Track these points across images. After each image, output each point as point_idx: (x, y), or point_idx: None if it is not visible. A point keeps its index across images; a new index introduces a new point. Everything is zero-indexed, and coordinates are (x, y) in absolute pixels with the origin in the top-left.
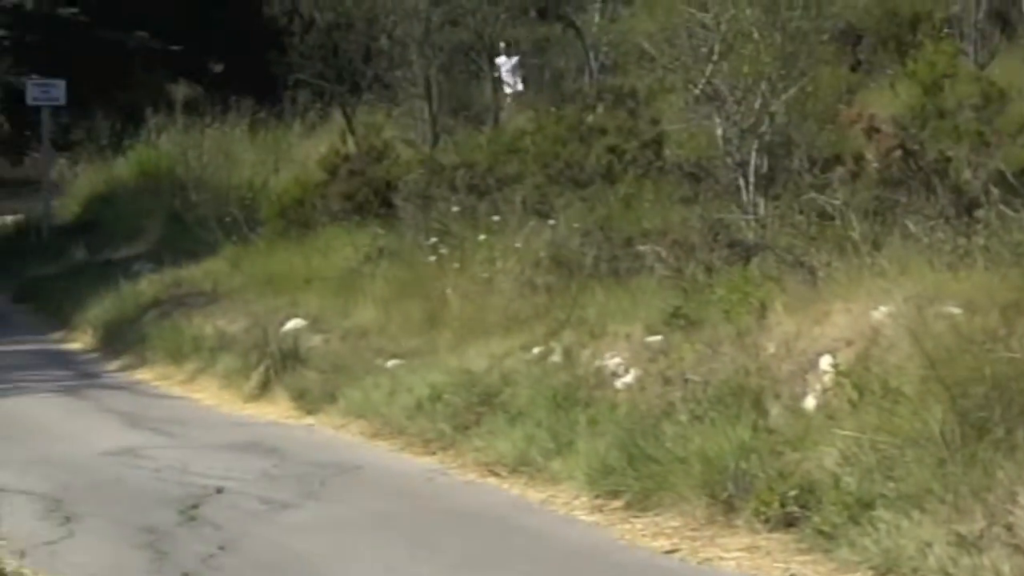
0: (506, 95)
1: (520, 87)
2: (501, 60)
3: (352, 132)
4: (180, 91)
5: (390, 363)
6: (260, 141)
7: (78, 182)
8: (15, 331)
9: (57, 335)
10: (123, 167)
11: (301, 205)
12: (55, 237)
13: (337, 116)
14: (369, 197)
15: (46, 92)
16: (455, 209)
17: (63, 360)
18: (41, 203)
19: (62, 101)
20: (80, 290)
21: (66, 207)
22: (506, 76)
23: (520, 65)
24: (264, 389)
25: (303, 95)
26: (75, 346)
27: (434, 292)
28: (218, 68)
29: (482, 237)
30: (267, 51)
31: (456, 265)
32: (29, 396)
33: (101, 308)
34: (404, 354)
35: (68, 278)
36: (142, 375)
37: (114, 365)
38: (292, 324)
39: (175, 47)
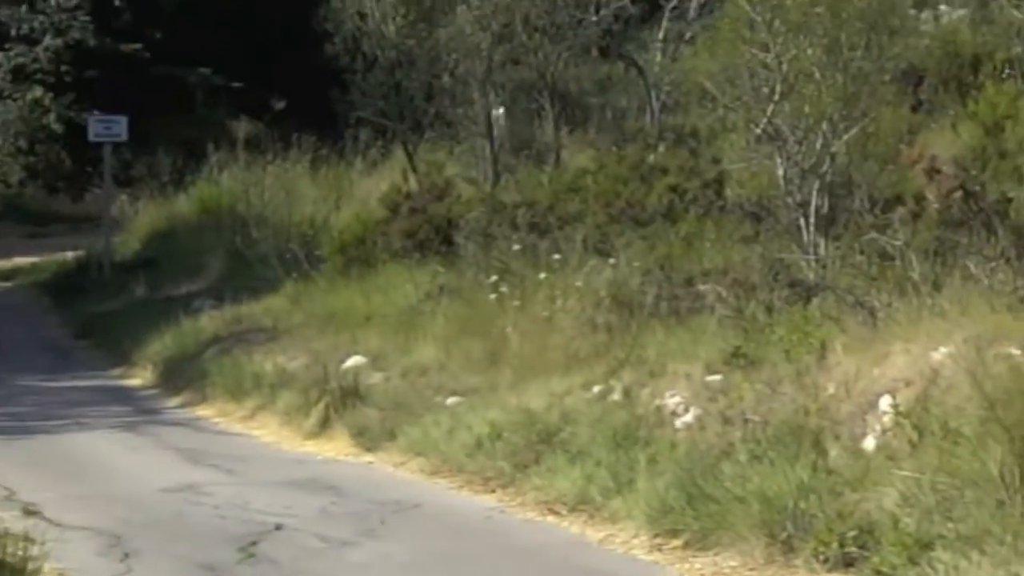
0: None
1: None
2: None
3: (414, 170)
4: (242, 127)
5: (450, 401)
6: (321, 178)
7: (139, 218)
8: (76, 367)
9: (117, 371)
10: (184, 204)
11: (362, 242)
12: (116, 273)
13: (399, 153)
14: (430, 235)
15: (108, 128)
16: (516, 247)
17: (123, 396)
18: (102, 239)
19: (124, 137)
20: (140, 326)
21: (127, 243)
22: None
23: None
24: (324, 426)
25: (365, 132)
26: (135, 382)
27: (494, 330)
28: (280, 105)
29: (543, 275)
30: (329, 88)
31: (516, 303)
32: (89, 432)
33: (161, 344)
34: (464, 392)
35: (128, 314)
36: (202, 411)
37: (174, 401)
38: (352, 361)
39: (237, 83)
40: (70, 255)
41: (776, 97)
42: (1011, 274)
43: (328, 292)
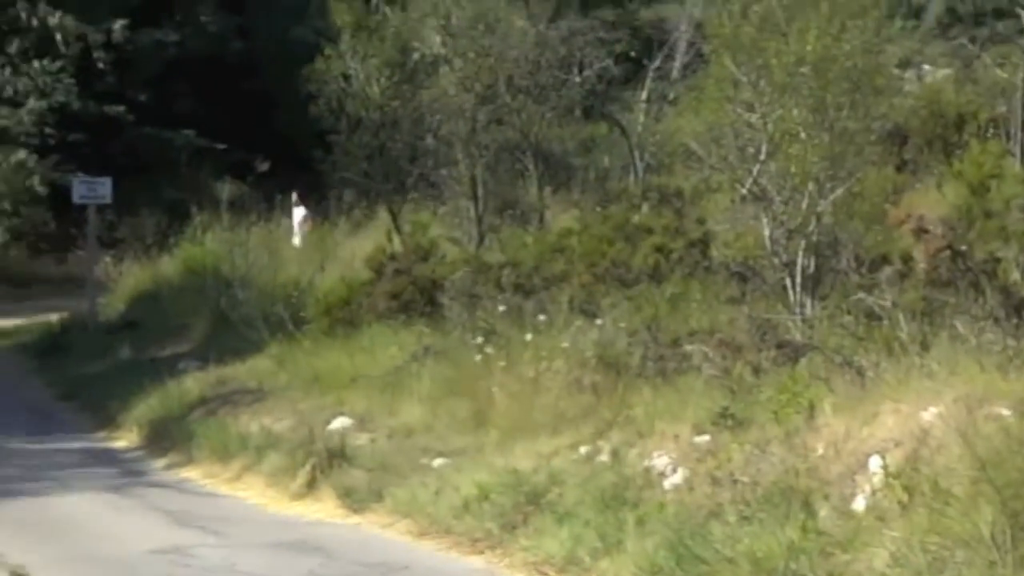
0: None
1: (302, 240)
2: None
3: (398, 231)
4: (226, 189)
5: (437, 462)
6: (306, 239)
7: (123, 280)
8: (60, 429)
9: (102, 433)
10: (169, 265)
11: (347, 304)
12: (100, 335)
13: (383, 214)
14: (415, 296)
15: (92, 190)
16: (501, 308)
17: (109, 458)
18: (86, 300)
19: (108, 199)
20: (125, 388)
21: (111, 305)
22: (297, 227)
23: (306, 218)
24: (311, 488)
25: (349, 194)
26: (121, 444)
27: (481, 391)
28: (264, 166)
29: (529, 336)
30: (313, 150)
31: (503, 364)
32: (75, 494)
33: (147, 406)
34: (451, 453)
35: (113, 376)
36: (188, 473)
37: (160, 463)
38: (338, 423)
39: (221, 145)
40: (54, 317)
41: (762, 157)
42: (1000, 334)
43: (313, 353)
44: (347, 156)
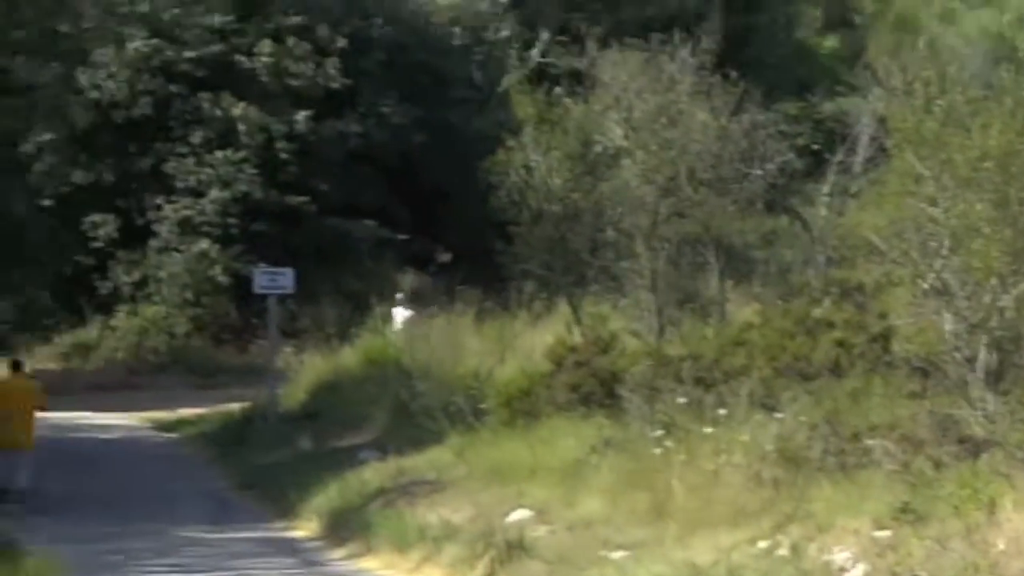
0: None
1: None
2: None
3: (578, 323)
4: (407, 280)
5: (616, 554)
6: (486, 331)
7: (304, 370)
8: (240, 518)
9: (281, 523)
10: (349, 355)
11: (527, 395)
12: (281, 424)
13: (563, 307)
14: (595, 388)
15: (274, 280)
16: (681, 401)
17: (288, 547)
18: (267, 390)
19: (290, 289)
20: (305, 478)
21: (292, 395)
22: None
23: (411, 319)
24: None
25: (529, 285)
26: (300, 534)
27: (660, 484)
28: (445, 257)
29: (708, 429)
30: (494, 241)
31: (682, 457)
32: None
33: (326, 496)
34: (630, 546)
35: (293, 466)
36: (367, 563)
37: (339, 553)
38: (517, 514)
39: (403, 236)
40: (235, 406)
41: (944, 251)
42: None
43: (493, 445)
44: (528, 247)
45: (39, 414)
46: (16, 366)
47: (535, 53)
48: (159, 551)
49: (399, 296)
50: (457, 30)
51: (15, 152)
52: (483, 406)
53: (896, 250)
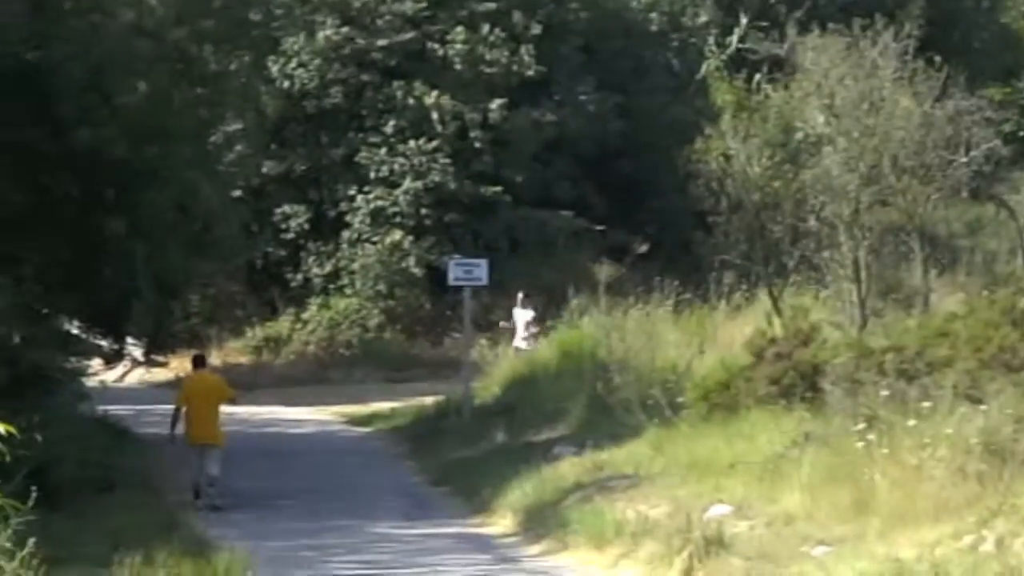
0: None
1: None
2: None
3: (779, 314)
4: (604, 271)
5: (816, 551)
6: (684, 322)
7: (499, 363)
8: (434, 514)
9: (476, 518)
10: (545, 348)
11: (726, 388)
12: (475, 419)
13: (763, 297)
14: (795, 381)
15: (468, 272)
16: (884, 394)
17: (482, 544)
18: (462, 384)
19: (484, 281)
20: (500, 473)
21: (487, 388)
22: (522, 329)
23: (534, 321)
24: None
25: (728, 276)
26: (494, 530)
27: (862, 478)
28: (643, 248)
29: (912, 423)
30: (693, 231)
31: (884, 451)
32: None
33: (521, 491)
34: (831, 541)
35: (488, 460)
36: (563, 560)
37: (534, 549)
38: (716, 510)
39: (599, 227)
40: (429, 400)
41: None
42: None
43: (691, 439)
44: (727, 237)
45: (229, 408)
46: (199, 361)
47: (734, 39)
48: (352, 547)
49: (521, 296)
50: (654, 15)
51: (205, 143)
52: (681, 399)
53: None
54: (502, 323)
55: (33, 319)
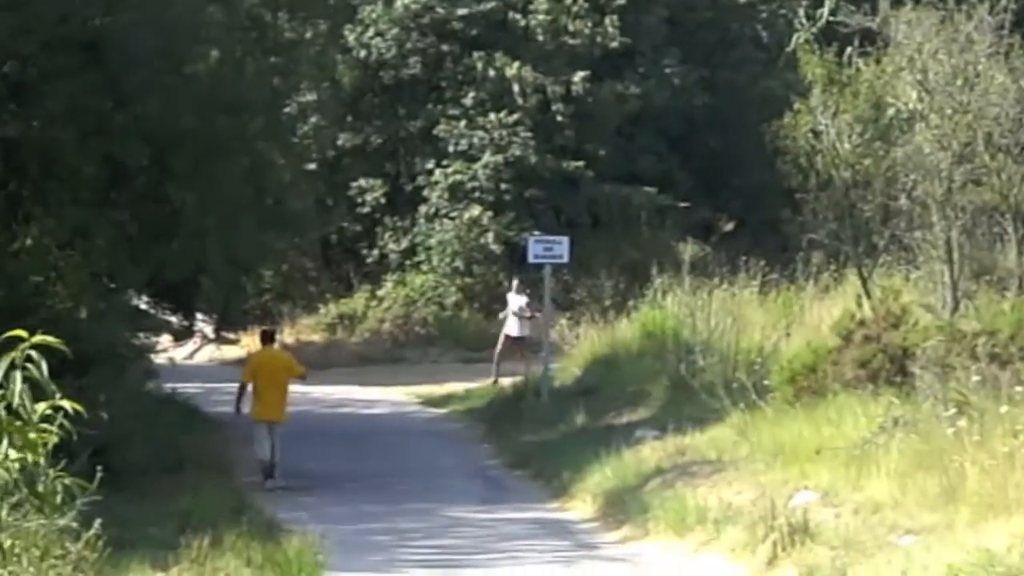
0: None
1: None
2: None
3: (868, 295)
4: (688, 249)
5: (904, 540)
6: (771, 303)
7: (579, 344)
8: (511, 498)
9: (555, 503)
10: (627, 329)
11: (812, 371)
12: (554, 401)
13: (852, 278)
14: (884, 364)
15: (549, 249)
16: (976, 379)
17: (561, 529)
18: (540, 365)
19: (565, 259)
20: (579, 456)
21: (566, 370)
22: (516, 312)
23: (528, 307)
24: (771, 564)
25: (817, 255)
26: (573, 515)
27: (952, 466)
28: (728, 226)
29: (1004, 409)
30: (780, 209)
31: (975, 438)
32: (525, 566)
33: (601, 475)
34: (919, 531)
35: (567, 443)
36: (644, 547)
37: (614, 536)
38: (801, 497)
39: (683, 204)
40: (506, 381)
41: None
42: None
43: (776, 423)
44: (815, 216)
45: (301, 387)
46: (267, 337)
47: (824, 11)
48: (428, 531)
49: (515, 282)
50: None
51: (279, 114)
52: (766, 383)
53: None
54: (501, 315)
55: (101, 294)
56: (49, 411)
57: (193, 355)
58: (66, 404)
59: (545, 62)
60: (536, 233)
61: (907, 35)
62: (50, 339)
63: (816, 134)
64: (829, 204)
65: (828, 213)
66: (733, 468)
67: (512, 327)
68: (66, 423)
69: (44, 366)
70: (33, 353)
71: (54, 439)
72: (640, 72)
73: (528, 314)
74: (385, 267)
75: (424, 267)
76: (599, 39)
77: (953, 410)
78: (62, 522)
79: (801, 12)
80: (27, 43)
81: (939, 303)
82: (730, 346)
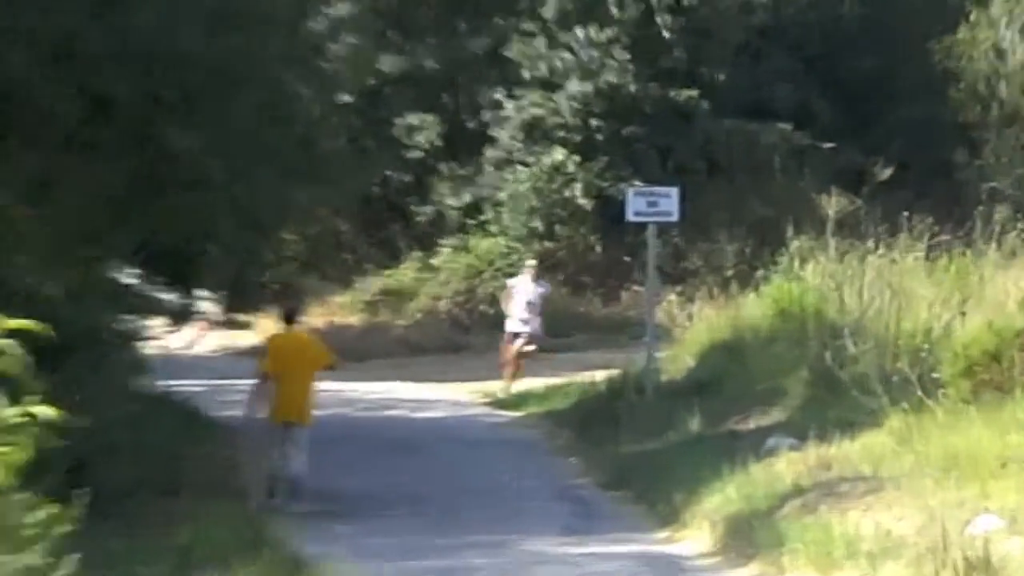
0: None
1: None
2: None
3: None
4: (833, 203)
5: None
6: (940, 273)
7: (694, 326)
8: (605, 527)
9: (662, 533)
10: (755, 306)
11: (996, 361)
12: (661, 400)
13: None
14: None
15: (653, 205)
16: None
17: (671, 567)
18: (643, 354)
19: (674, 217)
20: (694, 472)
21: (677, 359)
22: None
23: (542, 298)
24: None
25: (1000, 210)
26: (686, 548)
27: None
28: (885, 173)
29: None
30: (951, 151)
31: None
32: None
33: (723, 496)
34: None
35: (678, 455)
36: None
37: (740, 574)
38: (981, 522)
39: (827, 144)
40: (598, 375)
41: None
42: None
43: (949, 428)
44: (997, 160)
45: (331, 383)
46: (290, 315)
47: None
48: (500, 569)
49: (529, 263)
50: None
51: (301, 29)
52: (936, 375)
53: None
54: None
55: (75, 265)
56: (19, 418)
57: (194, 343)
58: (40, 410)
59: None
60: (636, 183)
61: None
62: (26, 323)
63: (999, 52)
64: (1016, 144)
65: (1015, 155)
66: (893, 486)
67: (516, 323)
68: (37, 433)
69: (24, 359)
70: (8, 342)
71: (25, 456)
72: None
73: (537, 310)
74: (441, 229)
75: (492, 228)
76: None
77: None
78: (28, 560)
79: None
80: None
81: None
82: (889, 328)
